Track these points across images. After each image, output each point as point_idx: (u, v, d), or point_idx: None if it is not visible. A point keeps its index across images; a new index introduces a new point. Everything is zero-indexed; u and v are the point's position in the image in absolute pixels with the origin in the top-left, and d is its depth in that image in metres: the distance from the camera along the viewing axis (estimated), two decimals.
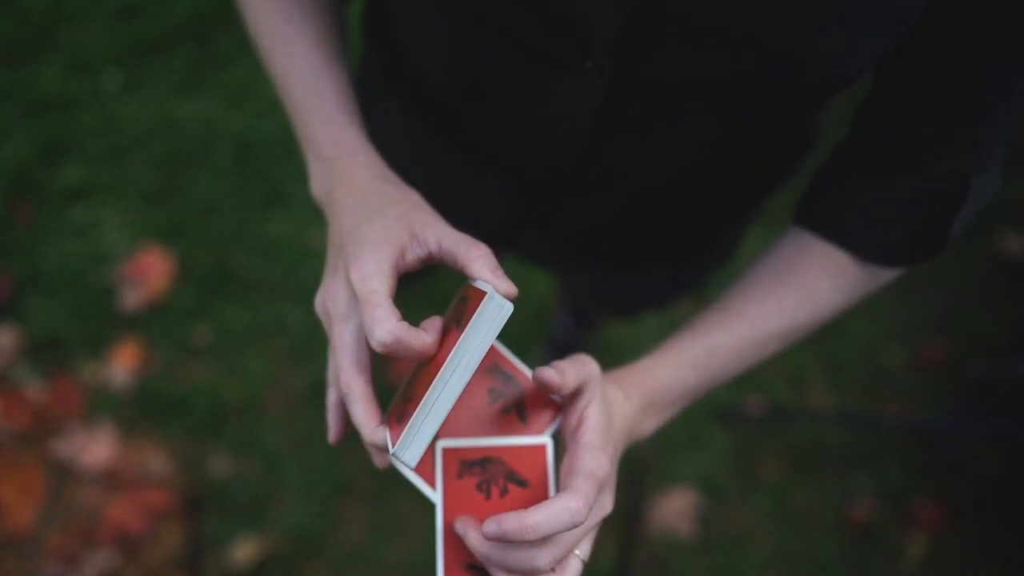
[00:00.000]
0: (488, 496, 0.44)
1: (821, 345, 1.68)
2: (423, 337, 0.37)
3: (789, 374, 1.65)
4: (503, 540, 0.37)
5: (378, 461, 0.44)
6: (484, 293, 0.37)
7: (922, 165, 0.46)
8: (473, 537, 0.39)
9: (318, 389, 1.48)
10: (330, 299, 0.42)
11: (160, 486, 1.37)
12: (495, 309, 0.36)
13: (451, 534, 0.43)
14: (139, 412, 1.43)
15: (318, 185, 0.49)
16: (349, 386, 0.40)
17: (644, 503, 1.48)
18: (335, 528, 1.40)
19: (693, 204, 0.56)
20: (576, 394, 0.43)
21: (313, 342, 1.51)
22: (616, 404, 0.45)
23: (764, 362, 0.53)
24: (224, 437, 1.43)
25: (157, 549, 1.33)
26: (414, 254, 0.41)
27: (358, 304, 0.41)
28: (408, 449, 0.37)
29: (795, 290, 0.50)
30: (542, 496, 0.43)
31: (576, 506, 0.36)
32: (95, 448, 1.37)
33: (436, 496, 0.44)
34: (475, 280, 0.39)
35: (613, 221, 0.58)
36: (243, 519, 1.38)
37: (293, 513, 1.39)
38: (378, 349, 0.36)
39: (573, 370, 0.41)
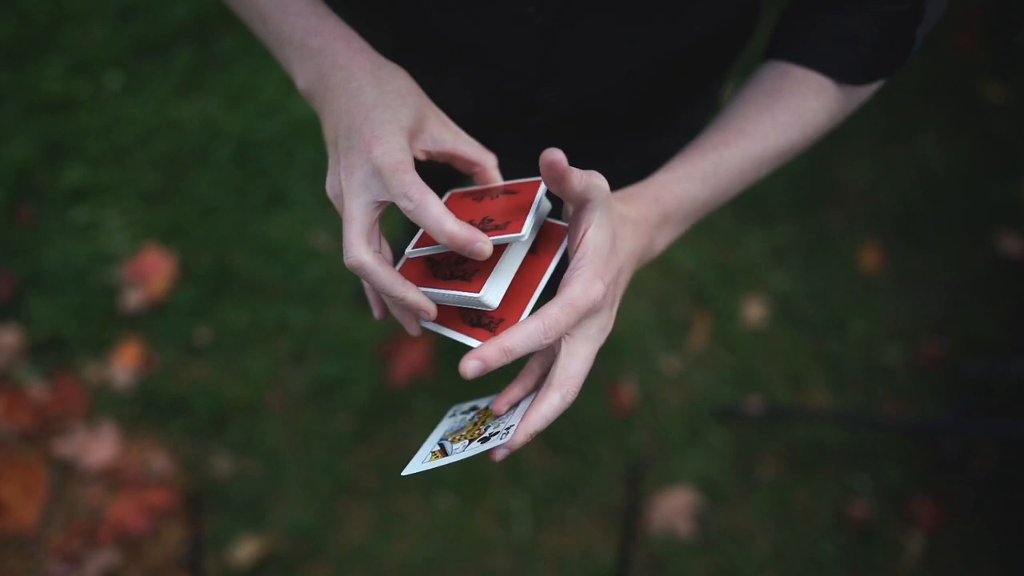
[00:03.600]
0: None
1: (821, 345, 1.69)
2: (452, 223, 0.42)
3: (788, 374, 1.65)
4: (491, 367, 0.41)
5: (412, 328, 0.48)
6: (525, 186, 0.46)
7: None
8: (471, 367, 0.41)
9: (319, 389, 1.48)
10: (346, 172, 0.43)
11: (161, 485, 1.37)
12: (545, 202, 0.47)
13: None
14: (140, 412, 1.43)
15: (306, 78, 0.48)
16: (360, 260, 0.42)
17: (643, 502, 1.48)
18: (336, 528, 1.40)
19: (653, 84, 0.59)
20: (579, 211, 0.43)
21: (314, 342, 1.52)
22: (624, 226, 0.46)
23: (759, 182, 0.57)
24: (225, 437, 1.44)
25: (158, 548, 1.33)
26: (425, 146, 0.46)
27: (383, 177, 0.42)
28: (493, 292, 0.44)
29: (786, 108, 0.54)
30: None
31: (539, 327, 0.41)
32: (96, 447, 1.38)
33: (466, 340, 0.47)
34: (484, 182, 0.49)
35: (581, 111, 0.61)
36: (244, 519, 1.38)
37: (294, 513, 1.40)
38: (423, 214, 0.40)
39: (580, 172, 0.41)
